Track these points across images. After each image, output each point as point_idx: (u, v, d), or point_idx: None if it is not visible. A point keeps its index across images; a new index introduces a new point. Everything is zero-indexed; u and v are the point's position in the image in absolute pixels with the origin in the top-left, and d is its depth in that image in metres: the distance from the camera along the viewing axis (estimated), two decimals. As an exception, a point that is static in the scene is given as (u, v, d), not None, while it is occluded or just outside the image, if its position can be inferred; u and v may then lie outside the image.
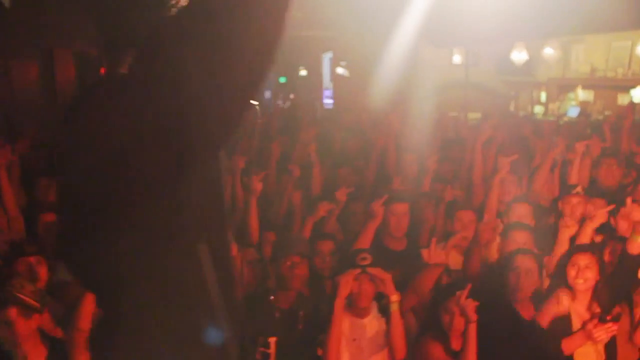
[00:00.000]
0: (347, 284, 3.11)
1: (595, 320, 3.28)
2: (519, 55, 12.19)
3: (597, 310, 3.48)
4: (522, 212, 4.14)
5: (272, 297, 3.38)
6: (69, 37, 8.08)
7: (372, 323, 3.30)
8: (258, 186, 4.03)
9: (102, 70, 1.15)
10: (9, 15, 6.74)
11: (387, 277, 3.22)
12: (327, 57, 14.85)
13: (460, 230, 3.93)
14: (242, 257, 3.46)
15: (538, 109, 12.66)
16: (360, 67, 10.93)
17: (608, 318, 3.33)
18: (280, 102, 14.76)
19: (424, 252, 3.49)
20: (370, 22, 8.76)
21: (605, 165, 4.82)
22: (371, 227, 3.76)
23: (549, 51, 12.06)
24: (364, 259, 3.18)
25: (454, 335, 3.19)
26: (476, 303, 3.07)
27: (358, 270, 3.14)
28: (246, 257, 3.56)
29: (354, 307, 3.27)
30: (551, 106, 12.42)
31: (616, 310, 3.47)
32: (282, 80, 17.01)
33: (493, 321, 3.35)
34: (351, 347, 3.23)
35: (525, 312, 3.54)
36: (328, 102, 14.73)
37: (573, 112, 11.66)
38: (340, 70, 12.96)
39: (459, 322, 3.14)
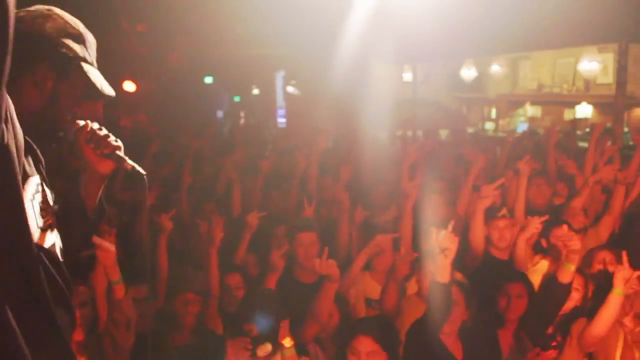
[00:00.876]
0: (237, 353, 2.86)
1: (538, 349, 3.16)
2: (468, 72, 12.24)
3: (524, 338, 3.30)
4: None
5: (167, 336, 3.12)
6: None
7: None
8: (168, 225, 3.71)
9: None
10: None
11: None
12: (280, 76, 14.67)
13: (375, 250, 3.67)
14: (132, 294, 3.15)
15: (489, 125, 12.70)
16: (310, 86, 10.79)
17: (553, 344, 3.22)
18: (242, 120, 14.51)
19: (315, 262, 3.13)
20: (320, 40, 8.60)
21: (534, 185, 4.64)
22: (272, 278, 3.42)
23: (496, 68, 12.13)
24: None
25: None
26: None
27: (249, 346, 2.88)
28: (136, 294, 3.24)
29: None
30: (501, 122, 12.46)
31: (558, 338, 3.31)
32: (237, 99, 16.75)
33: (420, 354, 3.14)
34: None
35: (452, 345, 3.33)
36: (282, 120, 14.54)
37: (522, 128, 11.70)
38: (290, 89, 12.80)
39: None
